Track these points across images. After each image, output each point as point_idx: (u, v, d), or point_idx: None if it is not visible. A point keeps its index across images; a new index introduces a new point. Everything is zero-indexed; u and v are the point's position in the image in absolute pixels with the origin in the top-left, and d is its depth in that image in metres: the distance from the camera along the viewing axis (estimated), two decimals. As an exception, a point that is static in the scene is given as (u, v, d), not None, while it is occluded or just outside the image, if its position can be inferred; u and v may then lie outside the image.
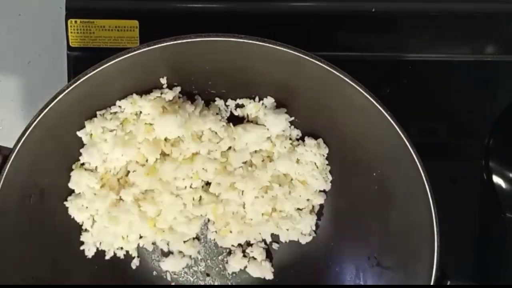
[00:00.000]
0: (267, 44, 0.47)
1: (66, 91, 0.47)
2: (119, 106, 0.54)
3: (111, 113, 0.54)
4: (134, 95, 0.53)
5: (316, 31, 0.61)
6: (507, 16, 0.61)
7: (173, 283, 0.61)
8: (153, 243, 0.58)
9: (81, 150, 0.54)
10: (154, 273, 0.60)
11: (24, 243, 0.51)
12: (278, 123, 0.55)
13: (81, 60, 0.61)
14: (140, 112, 0.54)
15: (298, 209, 0.57)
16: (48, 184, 0.53)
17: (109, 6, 0.60)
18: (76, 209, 0.55)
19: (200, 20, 0.61)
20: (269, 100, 0.56)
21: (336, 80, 0.48)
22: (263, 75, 0.53)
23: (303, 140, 0.56)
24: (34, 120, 0.47)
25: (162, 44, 0.46)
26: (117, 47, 0.60)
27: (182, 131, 0.53)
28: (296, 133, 0.57)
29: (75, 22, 0.60)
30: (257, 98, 0.56)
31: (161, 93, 0.54)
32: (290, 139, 0.57)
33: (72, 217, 0.55)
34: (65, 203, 0.55)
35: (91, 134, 0.53)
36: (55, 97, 0.47)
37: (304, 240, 0.58)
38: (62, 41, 0.61)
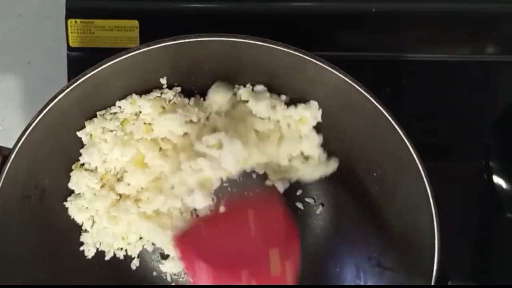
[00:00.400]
0: (267, 44, 0.46)
1: (66, 91, 0.47)
2: (119, 107, 0.54)
3: (111, 114, 0.54)
4: (134, 95, 0.53)
5: (316, 31, 0.61)
6: (507, 16, 0.61)
7: (173, 283, 0.61)
8: (153, 244, 0.58)
9: (81, 151, 0.54)
10: (154, 273, 0.60)
11: (24, 243, 0.51)
12: (261, 108, 0.54)
13: (81, 60, 0.61)
14: (140, 112, 0.54)
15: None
16: (48, 184, 0.53)
17: (109, 6, 0.61)
18: (76, 210, 0.55)
19: (200, 20, 0.61)
20: (259, 88, 0.55)
21: (336, 80, 0.48)
22: (263, 75, 0.53)
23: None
24: (34, 120, 0.47)
25: (162, 44, 0.46)
26: (117, 47, 0.60)
27: (182, 129, 0.53)
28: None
29: (75, 22, 0.60)
30: (248, 85, 0.55)
31: (161, 93, 0.54)
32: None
33: (72, 217, 0.55)
34: (65, 203, 0.55)
35: (91, 135, 0.54)
36: (55, 97, 0.47)
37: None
38: (62, 41, 0.61)
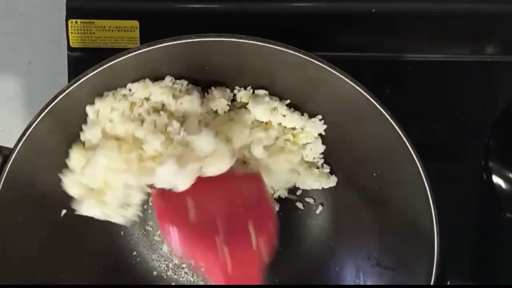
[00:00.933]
0: (267, 45, 0.47)
1: (67, 91, 0.47)
2: (129, 89, 0.52)
3: (120, 95, 0.52)
4: (147, 80, 0.52)
5: (316, 32, 0.61)
6: (507, 16, 0.61)
7: (173, 283, 0.61)
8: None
9: (83, 126, 0.52)
10: (154, 273, 0.60)
11: (25, 243, 0.51)
12: (260, 112, 0.54)
13: (81, 60, 0.61)
14: (148, 98, 0.52)
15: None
16: (48, 184, 0.53)
17: (110, 7, 0.61)
18: (71, 184, 0.51)
19: (200, 20, 0.61)
20: (260, 91, 0.55)
21: (336, 80, 0.48)
22: (264, 75, 0.53)
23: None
24: (35, 120, 0.47)
25: (163, 45, 0.46)
26: (117, 48, 0.60)
27: (201, 109, 0.52)
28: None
29: (76, 22, 0.60)
30: (249, 87, 0.55)
31: (173, 83, 0.53)
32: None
33: (72, 217, 0.55)
34: (59, 175, 0.51)
35: (99, 112, 0.51)
36: (56, 97, 0.47)
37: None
38: (62, 41, 0.61)
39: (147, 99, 0.53)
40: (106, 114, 0.51)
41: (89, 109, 0.51)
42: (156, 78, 0.53)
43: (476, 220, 0.61)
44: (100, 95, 0.52)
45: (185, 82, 0.54)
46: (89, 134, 0.51)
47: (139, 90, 0.52)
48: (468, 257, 0.61)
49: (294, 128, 0.55)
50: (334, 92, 0.50)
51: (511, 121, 0.61)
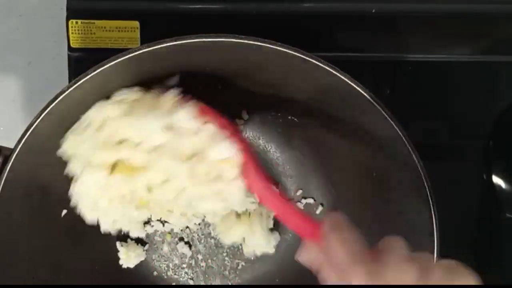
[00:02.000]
0: (267, 45, 0.46)
1: (67, 91, 0.47)
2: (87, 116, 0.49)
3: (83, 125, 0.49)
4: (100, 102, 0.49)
5: (316, 32, 0.61)
6: (507, 16, 0.61)
7: (173, 283, 0.61)
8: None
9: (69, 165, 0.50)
10: (155, 273, 0.60)
11: (26, 244, 0.51)
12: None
13: (82, 60, 0.61)
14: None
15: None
16: (49, 185, 0.53)
17: (110, 7, 0.61)
18: (88, 210, 0.52)
19: (200, 21, 0.61)
20: None
21: (336, 80, 0.48)
22: (263, 75, 0.53)
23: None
24: (35, 121, 0.47)
25: (163, 45, 0.46)
26: (118, 48, 0.61)
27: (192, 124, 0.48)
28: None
29: (76, 22, 0.61)
30: None
31: (126, 95, 0.49)
32: None
33: (72, 217, 0.55)
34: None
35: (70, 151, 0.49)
36: (56, 97, 0.47)
37: None
38: (62, 41, 0.61)
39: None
40: (76, 147, 0.48)
41: (60, 153, 0.49)
42: (156, 79, 0.53)
43: (476, 220, 0.61)
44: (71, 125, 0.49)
45: (137, 89, 0.52)
46: (72, 168, 0.49)
47: (94, 114, 0.48)
48: (468, 257, 0.61)
49: None
50: (334, 92, 0.50)
51: (511, 121, 0.61)
